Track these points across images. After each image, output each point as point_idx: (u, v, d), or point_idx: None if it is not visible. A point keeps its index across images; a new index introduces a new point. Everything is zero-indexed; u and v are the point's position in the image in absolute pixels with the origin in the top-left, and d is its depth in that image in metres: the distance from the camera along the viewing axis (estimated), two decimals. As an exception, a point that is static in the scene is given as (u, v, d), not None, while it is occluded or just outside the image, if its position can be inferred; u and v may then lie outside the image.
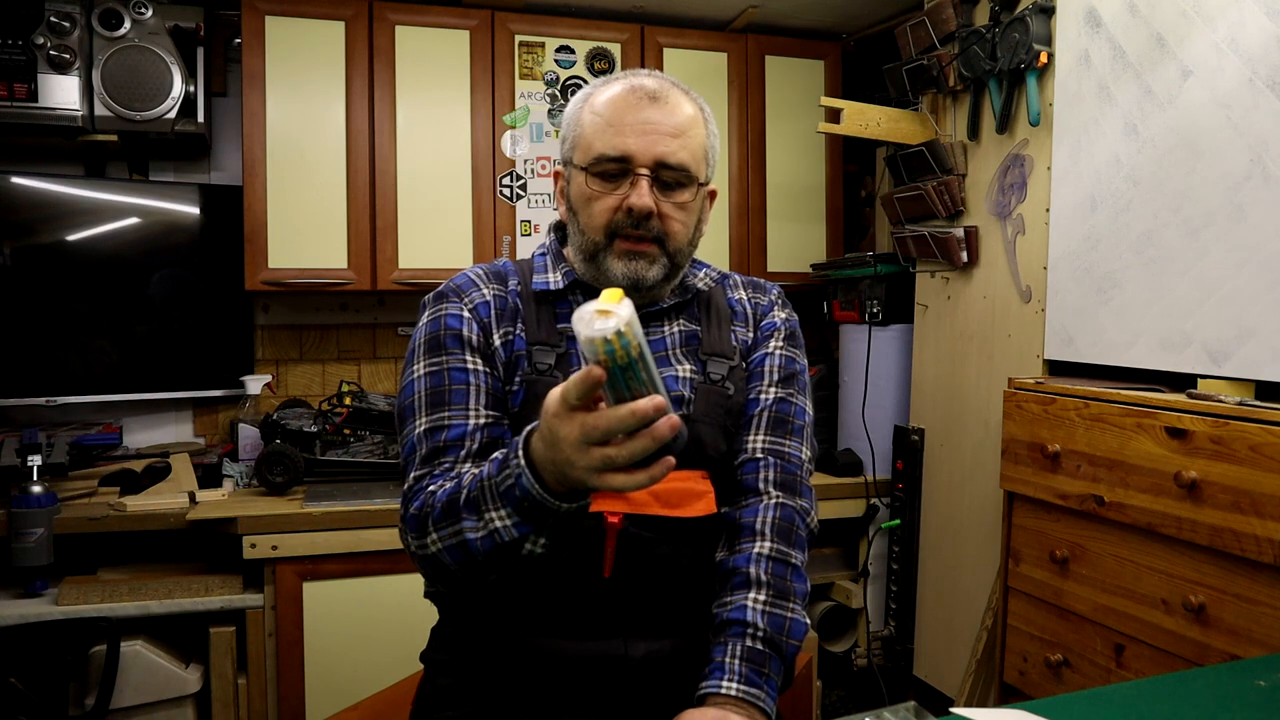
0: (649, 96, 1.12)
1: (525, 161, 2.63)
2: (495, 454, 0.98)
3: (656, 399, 0.81)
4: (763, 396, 1.20)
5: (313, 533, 2.12)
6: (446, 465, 1.07)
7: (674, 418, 0.83)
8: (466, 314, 1.14)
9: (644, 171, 1.10)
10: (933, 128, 2.39)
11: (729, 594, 1.10)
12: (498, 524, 0.95)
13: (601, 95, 1.14)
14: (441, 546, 1.00)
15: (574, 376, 0.82)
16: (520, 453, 0.91)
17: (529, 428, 0.92)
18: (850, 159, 2.98)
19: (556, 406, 0.85)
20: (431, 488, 1.05)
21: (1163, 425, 1.58)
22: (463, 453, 1.08)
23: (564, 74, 2.66)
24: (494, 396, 1.12)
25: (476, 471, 0.99)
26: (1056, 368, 2.03)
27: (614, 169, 1.11)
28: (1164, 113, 1.74)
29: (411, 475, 1.09)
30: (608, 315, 0.78)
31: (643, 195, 1.10)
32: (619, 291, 0.81)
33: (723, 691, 1.02)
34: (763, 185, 2.84)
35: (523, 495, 0.91)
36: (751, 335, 1.25)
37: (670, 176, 1.12)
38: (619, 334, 0.78)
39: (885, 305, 2.54)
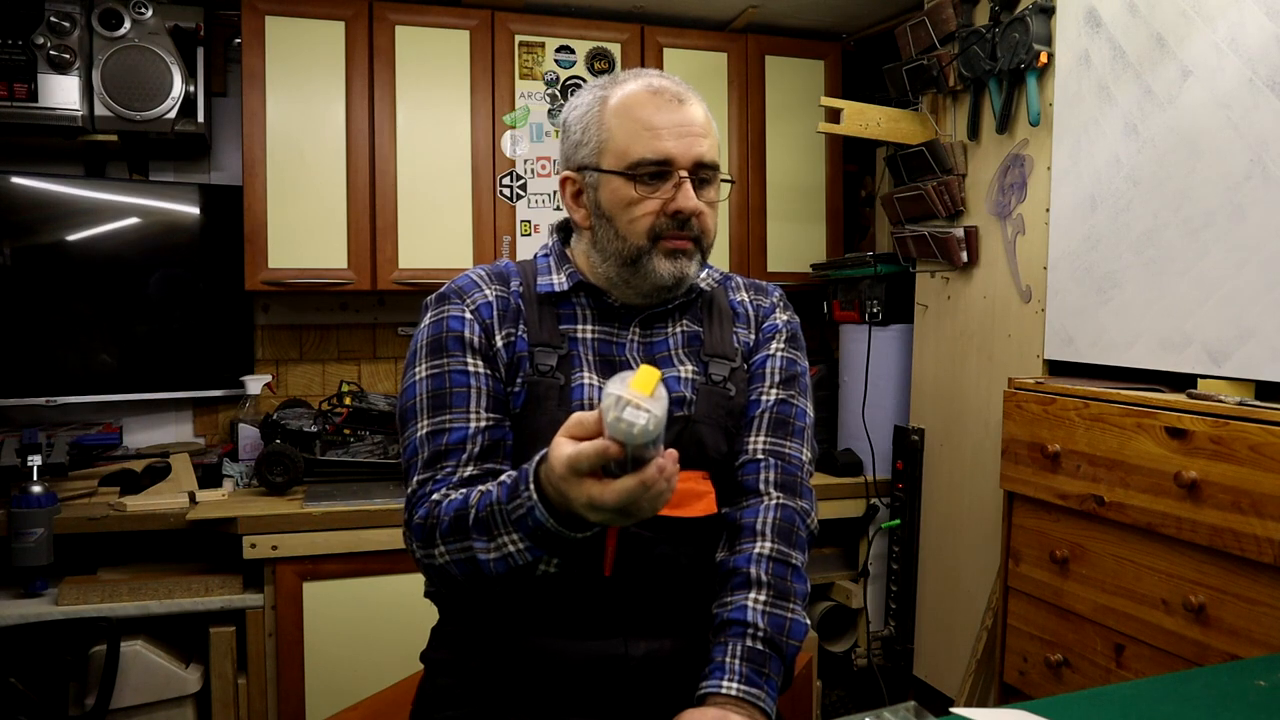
0: (676, 99, 1.13)
1: (525, 161, 2.63)
2: (504, 477, 0.99)
3: (660, 464, 0.84)
4: (764, 398, 1.21)
5: (313, 533, 2.12)
6: (449, 470, 1.08)
7: (669, 467, 0.85)
8: (468, 315, 1.14)
9: (685, 173, 1.11)
10: (933, 128, 2.39)
11: (729, 594, 1.10)
12: (511, 549, 0.96)
13: (621, 98, 1.14)
14: (449, 559, 1.02)
15: (589, 447, 0.84)
16: (531, 486, 0.92)
17: (536, 458, 0.93)
18: (850, 159, 2.98)
19: (564, 470, 0.86)
20: (435, 496, 1.05)
21: (1163, 425, 1.58)
22: (464, 456, 1.09)
23: (564, 74, 2.66)
24: (495, 399, 1.12)
25: (485, 490, 1.00)
26: (1056, 368, 2.03)
27: (655, 171, 1.11)
28: (1164, 113, 1.74)
29: (415, 480, 1.09)
30: (640, 409, 0.80)
31: (690, 197, 1.11)
32: (655, 374, 0.82)
33: (723, 691, 1.02)
34: (763, 185, 2.84)
35: (536, 526, 0.93)
36: (753, 337, 1.25)
37: (706, 174, 1.14)
38: (646, 429, 0.81)
39: (885, 305, 2.54)
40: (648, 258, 1.13)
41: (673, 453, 0.86)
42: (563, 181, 1.20)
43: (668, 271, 1.13)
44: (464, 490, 1.04)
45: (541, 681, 1.10)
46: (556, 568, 0.98)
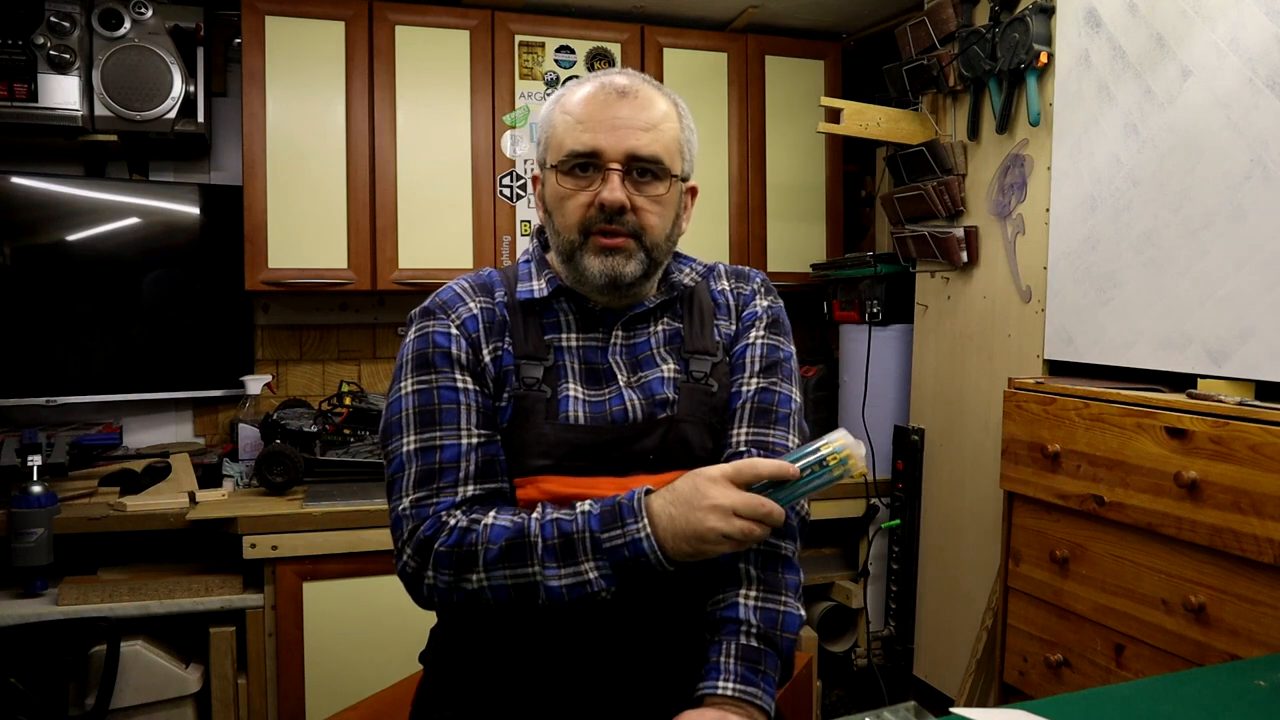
0: (619, 93, 1.12)
1: (525, 161, 2.63)
2: (587, 505, 1.02)
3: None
4: (744, 389, 1.19)
5: (313, 533, 2.12)
6: (447, 488, 1.07)
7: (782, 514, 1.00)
8: (454, 331, 1.13)
9: (615, 166, 1.10)
10: (933, 128, 2.39)
11: (720, 591, 1.10)
12: (591, 575, 1.00)
13: (573, 96, 1.14)
14: (490, 585, 1.02)
15: (772, 464, 0.99)
16: (644, 518, 0.98)
17: (639, 492, 1.02)
18: (850, 159, 2.98)
19: (720, 474, 0.99)
20: (463, 523, 1.04)
21: (1163, 425, 1.58)
22: (460, 474, 1.07)
23: (564, 74, 2.66)
24: (485, 415, 1.11)
25: (551, 519, 1.02)
26: (1056, 368, 2.03)
27: (583, 163, 1.11)
28: (1164, 113, 1.74)
29: (406, 498, 1.07)
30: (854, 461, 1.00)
31: (614, 189, 1.09)
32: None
33: (719, 692, 1.02)
34: (763, 185, 2.84)
35: (634, 555, 0.98)
36: (734, 326, 1.23)
37: (645, 168, 1.11)
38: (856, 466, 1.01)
39: (885, 305, 2.54)
40: (580, 253, 1.12)
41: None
42: (533, 182, 1.22)
43: (598, 269, 1.11)
44: (509, 517, 1.03)
45: (540, 681, 1.10)
46: (611, 595, 1.01)
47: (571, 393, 1.12)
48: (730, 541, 0.96)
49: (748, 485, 0.98)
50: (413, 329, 1.16)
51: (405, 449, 1.09)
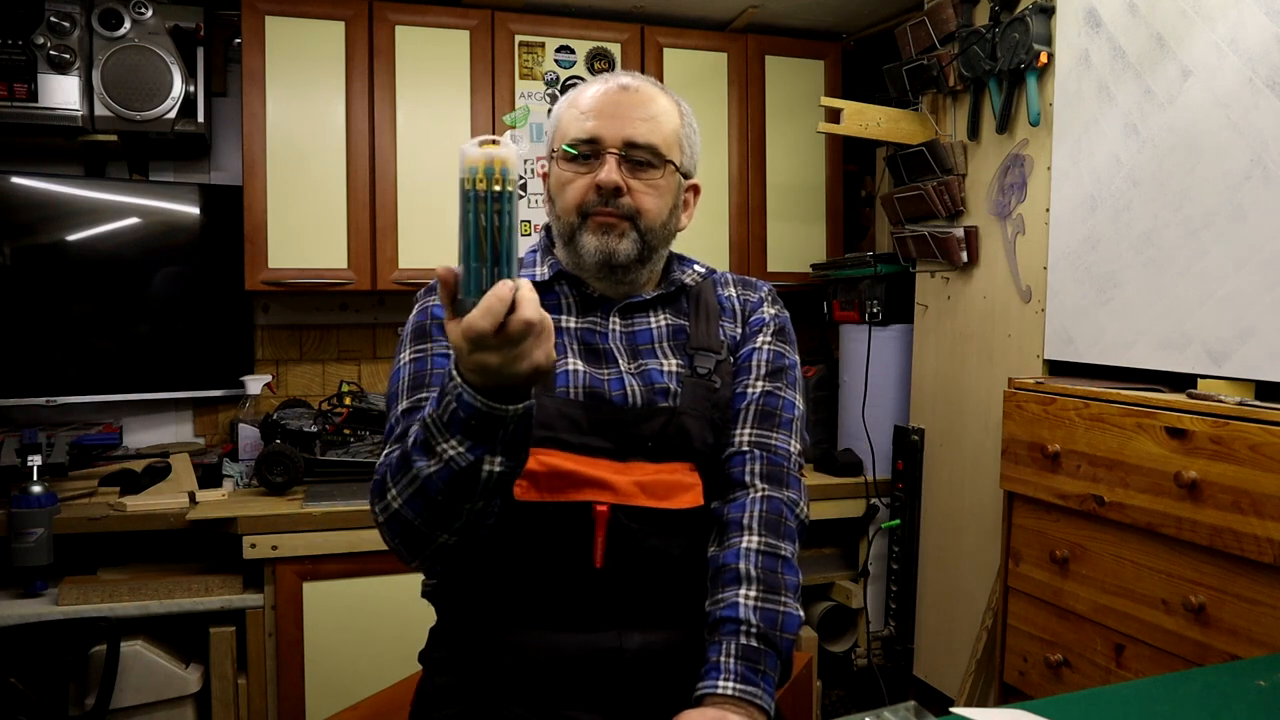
0: (621, 88, 1.18)
1: (525, 161, 2.63)
2: (434, 395, 0.97)
3: (508, 283, 0.84)
4: (749, 390, 1.21)
5: (312, 533, 2.12)
6: None
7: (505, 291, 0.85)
8: None
9: (613, 151, 1.15)
10: (933, 128, 2.39)
11: (720, 590, 1.10)
12: (451, 453, 0.93)
13: (582, 94, 1.20)
14: (401, 501, 0.99)
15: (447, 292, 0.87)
16: (455, 374, 0.91)
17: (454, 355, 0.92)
18: (850, 159, 2.98)
19: (443, 320, 0.89)
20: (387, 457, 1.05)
21: (1163, 425, 1.58)
22: None
23: (564, 74, 2.66)
24: None
25: (420, 418, 0.98)
26: (1056, 368, 2.03)
27: (585, 150, 1.16)
28: (1164, 113, 1.74)
29: (383, 453, 1.08)
30: (495, 144, 0.83)
31: (610, 171, 1.14)
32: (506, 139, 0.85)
33: (719, 692, 1.02)
34: (763, 185, 2.84)
35: (469, 414, 0.91)
36: (740, 331, 1.26)
37: (640, 155, 1.16)
38: (502, 160, 0.82)
39: (885, 305, 2.54)
40: (579, 234, 1.16)
41: (509, 284, 0.84)
42: (543, 178, 1.27)
43: (594, 246, 1.15)
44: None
45: (538, 675, 1.10)
46: (502, 466, 0.95)
47: (571, 366, 1.15)
48: (485, 341, 0.85)
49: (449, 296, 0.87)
50: (416, 306, 1.21)
51: (397, 413, 1.12)
